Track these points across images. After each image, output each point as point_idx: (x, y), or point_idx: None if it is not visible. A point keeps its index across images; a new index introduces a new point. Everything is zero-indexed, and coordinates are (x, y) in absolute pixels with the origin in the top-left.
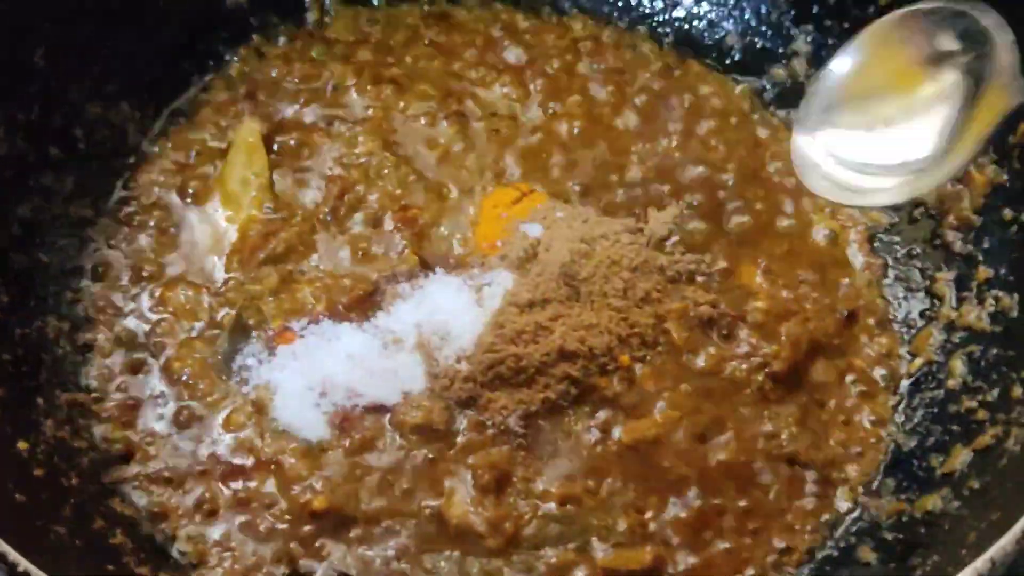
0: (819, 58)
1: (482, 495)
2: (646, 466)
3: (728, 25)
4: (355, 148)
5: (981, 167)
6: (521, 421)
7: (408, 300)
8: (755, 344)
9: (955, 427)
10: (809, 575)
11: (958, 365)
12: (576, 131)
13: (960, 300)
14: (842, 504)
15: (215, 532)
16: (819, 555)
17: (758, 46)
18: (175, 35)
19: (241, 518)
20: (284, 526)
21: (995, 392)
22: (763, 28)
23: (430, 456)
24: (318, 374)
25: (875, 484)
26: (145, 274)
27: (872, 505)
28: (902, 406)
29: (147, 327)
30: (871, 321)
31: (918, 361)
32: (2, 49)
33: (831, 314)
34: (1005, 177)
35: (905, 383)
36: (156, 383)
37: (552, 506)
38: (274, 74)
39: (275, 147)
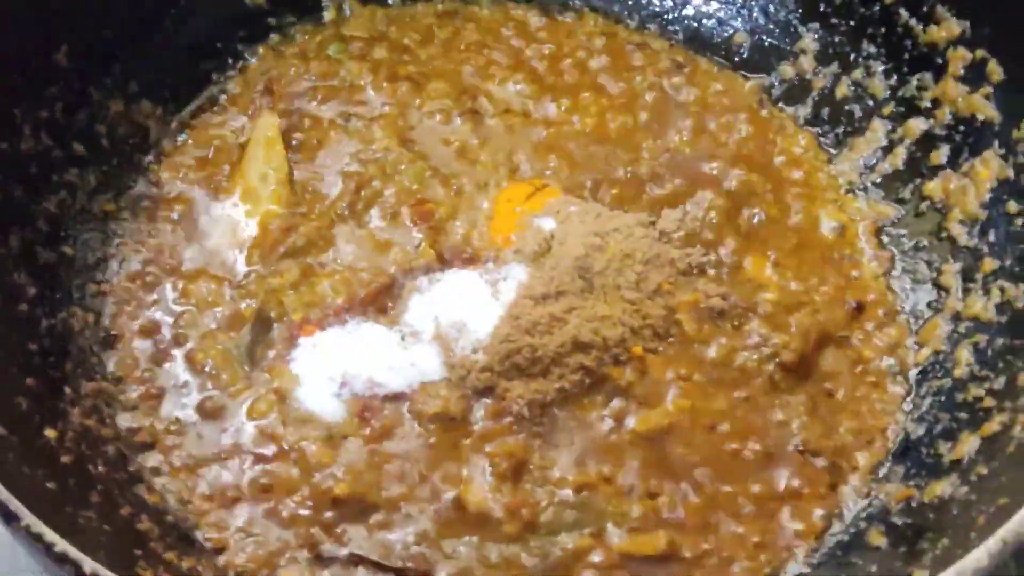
0: (826, 55)
1: (499, 482)
2: (659, 453)
3: (737, 23)
4: (372, 144)
5: (986, 162)
6: (537, 410)
7: (425, 293)
8: (765, 335)
9: (962, 415)
10: (820, 559)
11: (965, 354)
12: (588, 127)
13: (966, 291)
14: (852, 490)
15: (239, 519)
16: (830, 539)
17: (766, 44)
18: (195, 35)
19: (264, 505)
20: (306, 512)
21: (1001, 380)
22: (771, 26)
23: (448, 444)
24: (339, 365)
25: (884, 471)
26: (167, 267)
27: (882, 491)
28: (910, 395)
29: (170, 319)
30: (879, 312)
31: (925, 351)
32: (27, 49)
33: (840, 305)
34: (1010, 171)
35: (913, 372)
36: (180, 373)
37: (568, 493)
38: (292, 72)
39: (293, 143)
